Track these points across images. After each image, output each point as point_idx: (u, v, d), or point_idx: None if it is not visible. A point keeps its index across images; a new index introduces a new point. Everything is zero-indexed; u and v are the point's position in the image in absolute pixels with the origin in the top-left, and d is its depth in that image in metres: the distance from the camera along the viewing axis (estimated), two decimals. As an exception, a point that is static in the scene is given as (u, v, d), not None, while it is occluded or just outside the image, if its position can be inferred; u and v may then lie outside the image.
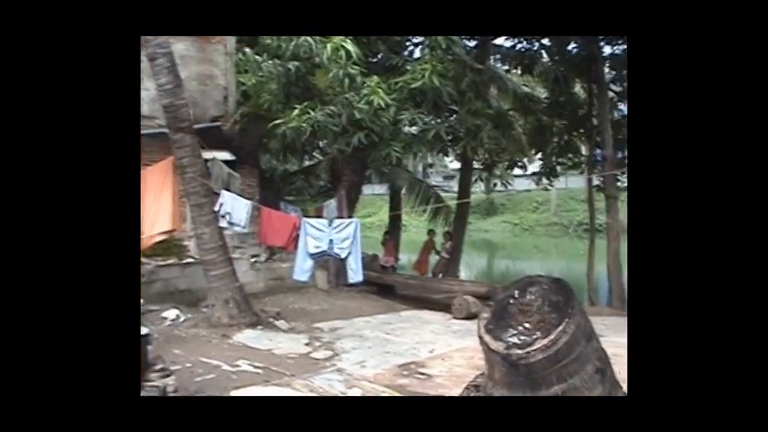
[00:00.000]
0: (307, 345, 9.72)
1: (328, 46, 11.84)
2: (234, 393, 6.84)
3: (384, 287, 15.57)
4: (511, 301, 4.49)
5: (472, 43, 16.15)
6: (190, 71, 13.60)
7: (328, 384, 7.21)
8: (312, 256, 10.50)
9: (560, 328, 4.10)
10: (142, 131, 13.08)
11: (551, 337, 4.08)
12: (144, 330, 7.18)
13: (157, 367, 7.16)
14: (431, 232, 19.07)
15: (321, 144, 17.17)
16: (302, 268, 10.59)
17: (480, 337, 4.36)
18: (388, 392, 6.89)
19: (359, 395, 6.83)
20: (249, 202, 10.75)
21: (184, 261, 12.71)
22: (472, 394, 4.81)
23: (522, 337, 4.24)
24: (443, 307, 13.18)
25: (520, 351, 4.13)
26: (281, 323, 10.90)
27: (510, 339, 4.25)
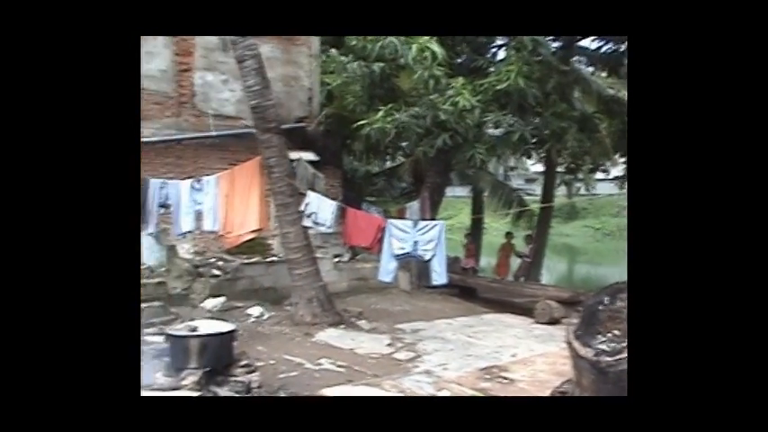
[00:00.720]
0: (389, 345, 9.72)
1: (413, 47, 11.87)
2: (324, 392, 6.90)
3: (465, 289, 15.47)
4: (600, 307, 4.41)
5: (556, 44, 15.96)
6: (275, 73, 13.79)
7: (417, 386, 7.22)
8: (396, 257, 10.54)
9: (651, 335, 4.02)
10: (229, 131, 13.55)
11: (642, 344, 4.01)
12: (230, 326, 7.34)
13: (242, 363, 7.29)
14: (508, 235, 18.84)
15: (404, 145, 17.19)
16: (387, 269, 10.64)
17: (569, 343, 4.30)
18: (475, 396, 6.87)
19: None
20: (335, 202, 10.85)
21: (268, 259, 12.91)
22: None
23: (612, 344, 4.17)
24: (525, 311, 13.00)
25: (609, 358, 4.06)
26: (363, 323, 10.95)
27: (599, 346, 4.18)
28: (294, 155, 11.35)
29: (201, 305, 11.13)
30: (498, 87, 12.36)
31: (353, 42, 13.45)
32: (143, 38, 13.33)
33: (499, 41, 15.81)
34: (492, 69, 13.77)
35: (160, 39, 13.93)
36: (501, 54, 15.80)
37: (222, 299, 11.27)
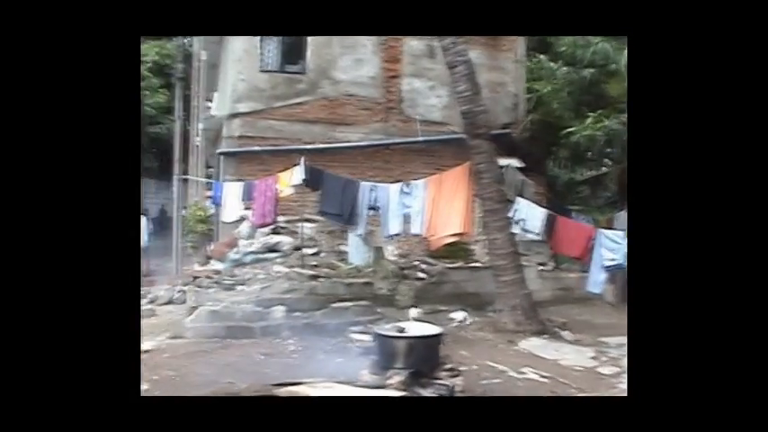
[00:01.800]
0: (592, 359, 9.40)
1: (626, 52, 11.48)
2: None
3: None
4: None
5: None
6: (481, 79, 13.76)
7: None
8: (606, 268, 10.17)
9: None
10: (436, 137, 13.70)
11: None
12: (437, 329, 7.38)
13: (446, 366, 7.30)
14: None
15: (610, 153, 16.70)
16: (596, 280, 10.28)
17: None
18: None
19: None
20: (544, 209, 10.65)
21: (471, 264, 12.88)
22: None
23: None
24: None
25: None
26: (566, 334, 10.68)
27: None
28: (503, 161, 11.28)
29: (408, 312, 11.26)
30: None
31: (563, 48, 13.23)
32: (353, 46, 13.94)
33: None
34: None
35: (369, 46, 14.37)
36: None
37: (419, 310, 11.34)
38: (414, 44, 14.70)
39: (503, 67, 15.35)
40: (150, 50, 29.13)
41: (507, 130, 14.74)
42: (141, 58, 28.60)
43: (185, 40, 22.12)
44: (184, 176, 18.68)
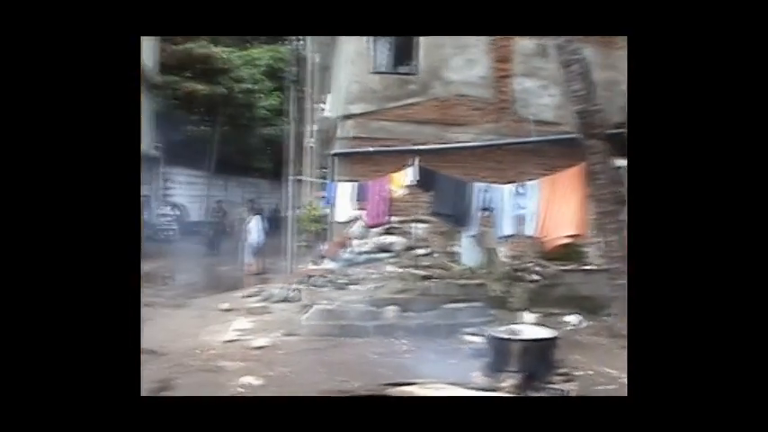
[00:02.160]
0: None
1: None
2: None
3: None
4: None
5: None
6: (594, 77, 13.59)
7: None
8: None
9: None
10: (548, 137, 13.51)
11: None
12: (552, 333, 7.32)
13: (561, 371, 7.24)
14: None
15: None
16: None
17: None
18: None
19: None
20: (662, 212, 10.37)
21: (585, 267, 12.65)
22: None
23: None
24: None
25: None
26: (679, 340, 10.39)
27: None
28: (619, 161, 11.02)
29: (523, 315, 11.17)
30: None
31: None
32: (464, 46, 13.93)
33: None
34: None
35: (480, 46, 14.37)
36: None
37: (536, 315, 11.23)
38: (525, 43, 14.55)
39: (616, 66, 14.94)
40: (264, 54, 29.94)
41: (622, 130, 14.38)
42: (255, 62, 29.62)
43: (298, 44, 22.56)
44: (298, 177, 19.04)
